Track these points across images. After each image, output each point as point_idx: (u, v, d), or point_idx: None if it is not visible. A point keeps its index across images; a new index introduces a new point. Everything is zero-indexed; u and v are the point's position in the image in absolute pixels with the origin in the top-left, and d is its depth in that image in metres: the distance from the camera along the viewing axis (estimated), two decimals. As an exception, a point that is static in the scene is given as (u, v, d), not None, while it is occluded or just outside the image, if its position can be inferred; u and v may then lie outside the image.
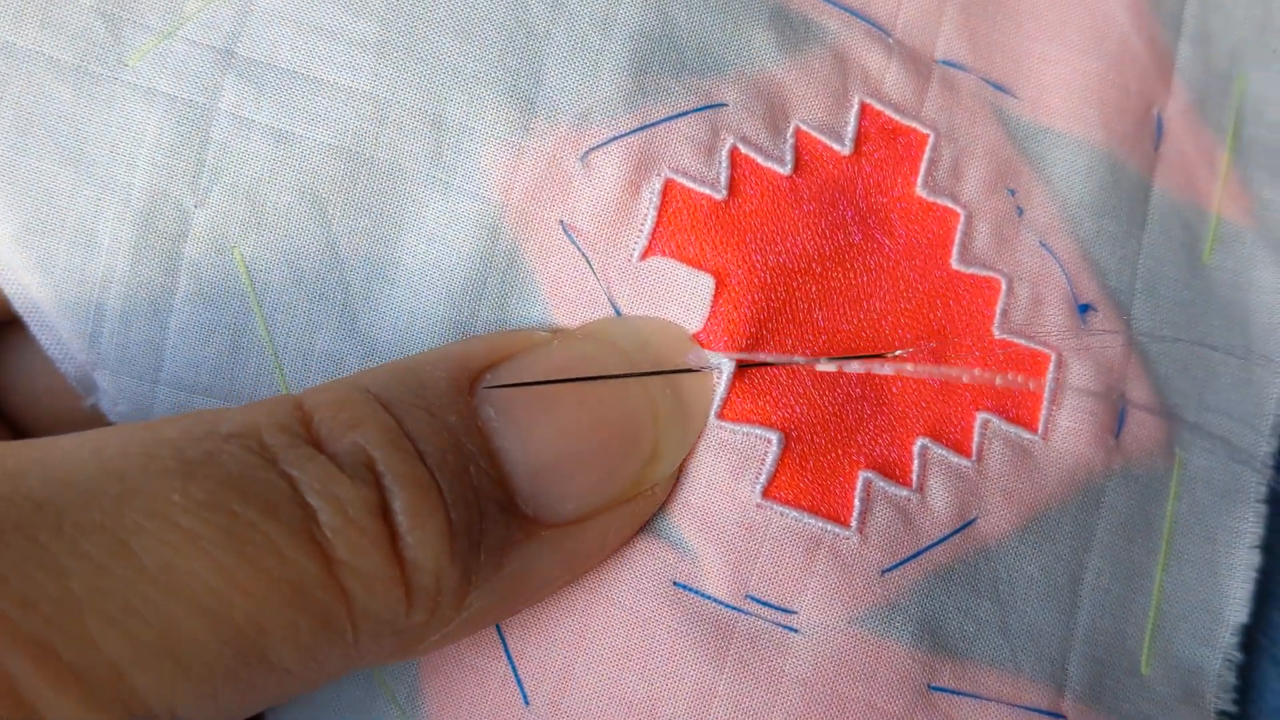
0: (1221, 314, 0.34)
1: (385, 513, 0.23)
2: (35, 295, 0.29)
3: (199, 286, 0.29)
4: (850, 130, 0.31)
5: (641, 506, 0.28)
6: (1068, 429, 0.31)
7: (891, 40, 0.32)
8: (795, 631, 0.28)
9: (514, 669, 0.29)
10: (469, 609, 0.25)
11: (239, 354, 0.29)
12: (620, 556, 0.29)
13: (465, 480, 0.24)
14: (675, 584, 0.28)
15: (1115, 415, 0.31)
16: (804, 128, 0.30)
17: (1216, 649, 0.31)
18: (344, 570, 0.22)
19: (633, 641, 0.28)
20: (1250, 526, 0.32)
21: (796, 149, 0.30)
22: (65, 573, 0.20)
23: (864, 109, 0.31)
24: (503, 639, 0.29)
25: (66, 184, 0.28)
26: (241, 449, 0.23)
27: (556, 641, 0.29)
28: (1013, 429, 0.30)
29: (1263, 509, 0.32)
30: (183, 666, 0.21)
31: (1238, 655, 0.31)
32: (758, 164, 0.29)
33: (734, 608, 0.28)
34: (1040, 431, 0.30)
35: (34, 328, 0.29)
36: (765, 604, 0.28)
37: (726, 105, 0.30)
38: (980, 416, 0.30)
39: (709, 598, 0.28)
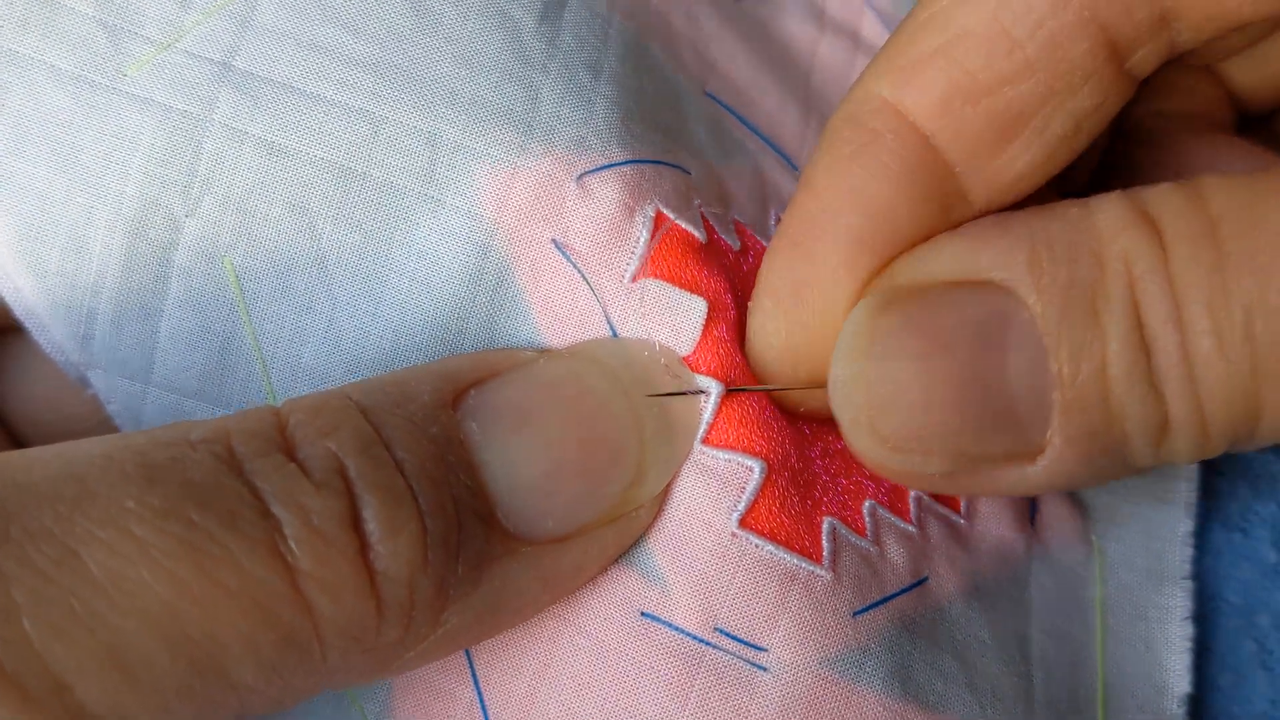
0: None
1: (356, 523, 0.23)
2: (29, 299, 0.29)
3: (189, 293, 0.29)
4: (772, 230, 0.33)
5: (625, 529, 0.27)
6: (986, 513, 0.32)
7: (797, 171, 0.34)
8: (764, 670, 0.28)
9: (480, 695, 0.28)
10: (446, 624, 0.24)
11: (228, 361, 0.29)
12: (589, 584, 0.28)
13: (444, 490, 0.24)
14: (643, 614, 0.28)
15: (1027, 503, 0.33)
16: (739, 219, 0.32)
17: None
18: (308, 582, 0.22)
19: (595, 672, 0.28)
20: (1179, 602, 0.33)
21: (738, 232, 0.32)
22: (8, 579, 0.20)
23: (779, 219, 0.33)
24: (471, 664, 0.29)
25: (60, 190, 0.28)
26: (208, 455, 0.22)
27: (522, 669, 0.28)
28: (941, 508, 0.32)
29: (1189, 584, 0.34)
30: (131, 679, 0.20)
31: None
32: (716, 232, 0.31)
33: (701, 640, 0.28)
34: (962, 514, 0.32)
35: (31, 329, 0.29)
36: (734, 638, 0.28)
37: (691, 174, 0.31)
38: (913, 494, 0.31)
39: (677, 629, 0.28)
